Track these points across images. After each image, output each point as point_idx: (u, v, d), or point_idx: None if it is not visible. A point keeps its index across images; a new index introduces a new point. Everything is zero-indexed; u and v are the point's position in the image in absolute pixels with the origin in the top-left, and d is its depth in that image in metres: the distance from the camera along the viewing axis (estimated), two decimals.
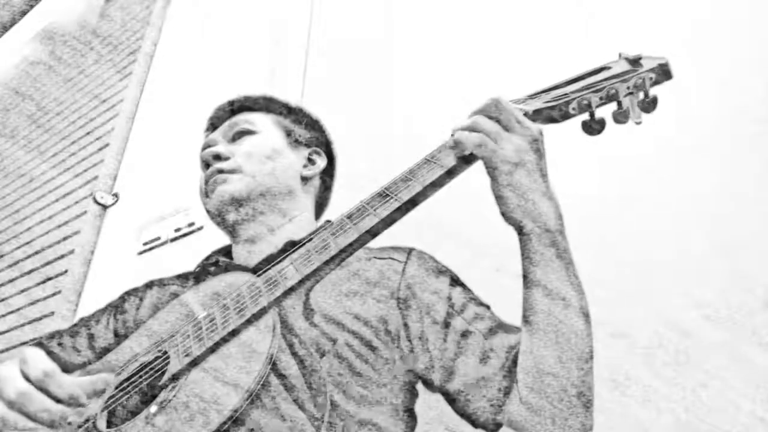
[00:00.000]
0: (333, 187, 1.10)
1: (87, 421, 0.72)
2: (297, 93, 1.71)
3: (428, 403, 0.88)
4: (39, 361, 0.67)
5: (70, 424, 0.64)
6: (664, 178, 1.12)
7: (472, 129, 0.73)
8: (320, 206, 1.08)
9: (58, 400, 0.64)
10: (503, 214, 0.73)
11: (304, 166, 1.03)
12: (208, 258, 0.99)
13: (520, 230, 0.73)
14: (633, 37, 1.23)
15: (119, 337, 0.92)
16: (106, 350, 0.89)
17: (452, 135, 0.75)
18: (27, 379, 0.65)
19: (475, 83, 1.39)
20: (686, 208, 1.07)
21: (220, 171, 0.95)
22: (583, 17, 1.37)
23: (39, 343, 0.92)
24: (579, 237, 1.08)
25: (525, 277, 0.73)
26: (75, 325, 0.97)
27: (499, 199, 0.72)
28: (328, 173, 1.09)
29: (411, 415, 0.82)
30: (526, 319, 0.73)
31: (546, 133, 0.75)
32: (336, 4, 1.92)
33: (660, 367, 0.97)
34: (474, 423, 0.77)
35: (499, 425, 0.75)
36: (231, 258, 0.97)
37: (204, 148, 1.01)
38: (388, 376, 0.79)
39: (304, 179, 1.03)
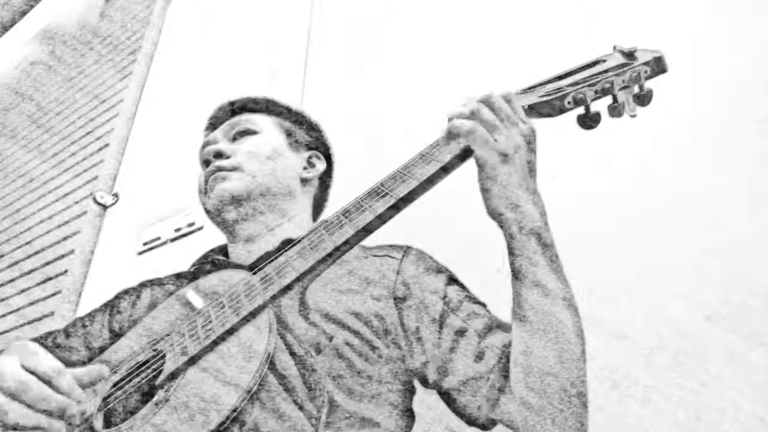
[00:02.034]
0: (331, 187, 1.10)
1: (85, 421, 0.72)
2: (297, 93, 1.71)
3: (428, 403, 0.88)
4: (45, 356, 0.66)
5: (70, 417, 0.63)
6: (663, 177, 1.11)
7: (469, 116, 0.73)
8: (318, 206, 1.08)
9: (59, 392, 0.64)
10: (487, 206, 0.73)
11: (304, 168, 1.03)
12: (204, 257, 0.99)
13: (500, 223, 0.72)
14: (633, 37, 1.22)
15: (116, 337, 0.91)
16: (103, 349, 0.88)
17: (448, 121, 0.74)
18: (30, 371, 0.64)
19: (475, 83, 1.39)
20: (686, 208, 1.07)
21: (220, 169, 0.94)
22: (583, 17, 1.37)
23: (36, 340, 0.91)
24: (579, 236, 1.08)
25: (512, 271, 0.73)
26: (71, 324, 0.96)
27: (483, 191, 0.72)
28: (327, 173, 1.09)
29: (410, 413, 0.82)
30: (519, 317, 0.72)
31: (542, 128, 0.75)
32: (336, 4, 1.92)
33: (660, 367, 0.97)
34: (469, 420, 0.76)
35: (494, 422, 0.75)
36: (227, 257, 0.97)
37: (204, 147, 1.01)
38: (386, 374, 0.78)
39: (304, 181, 1.03)
